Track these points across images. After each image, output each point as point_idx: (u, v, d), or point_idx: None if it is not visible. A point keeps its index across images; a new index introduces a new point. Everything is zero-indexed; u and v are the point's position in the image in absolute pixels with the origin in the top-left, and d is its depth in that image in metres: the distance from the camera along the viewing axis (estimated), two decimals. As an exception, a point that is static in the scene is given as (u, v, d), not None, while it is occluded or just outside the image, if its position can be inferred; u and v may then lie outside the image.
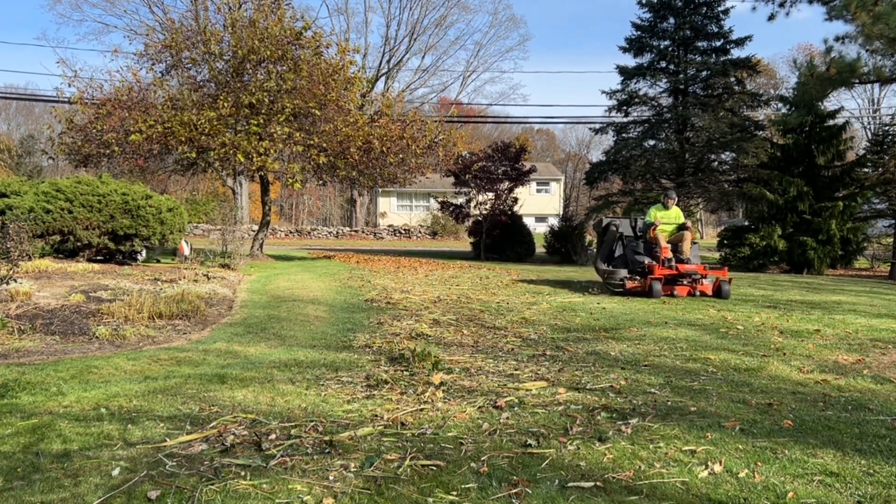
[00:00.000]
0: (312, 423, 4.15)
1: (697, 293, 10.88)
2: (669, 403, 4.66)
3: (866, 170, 23.53)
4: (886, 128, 25.86)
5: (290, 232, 43.08)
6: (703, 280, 11.04)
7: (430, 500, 3.11)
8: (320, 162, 17.61)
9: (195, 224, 35.72)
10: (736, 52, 24.35)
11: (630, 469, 3.44)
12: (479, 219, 24.80)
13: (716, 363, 5.97)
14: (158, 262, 15.66)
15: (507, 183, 24.34)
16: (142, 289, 9.78)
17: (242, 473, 3.38)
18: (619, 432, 4.01)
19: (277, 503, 3.07)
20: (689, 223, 11.78)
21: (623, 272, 11.46)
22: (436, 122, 20.98)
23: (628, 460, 3.57)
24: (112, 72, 39.90)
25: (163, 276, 11.93)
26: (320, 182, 22.03)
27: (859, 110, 53.87)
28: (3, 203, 12.54)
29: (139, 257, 14.84)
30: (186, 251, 15.82)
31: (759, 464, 3.49)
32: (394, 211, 47.18)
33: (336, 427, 4.11)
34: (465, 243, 30.44)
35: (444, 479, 3.32)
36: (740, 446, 3.76)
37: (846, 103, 53.39)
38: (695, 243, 11.74)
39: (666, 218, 11.67)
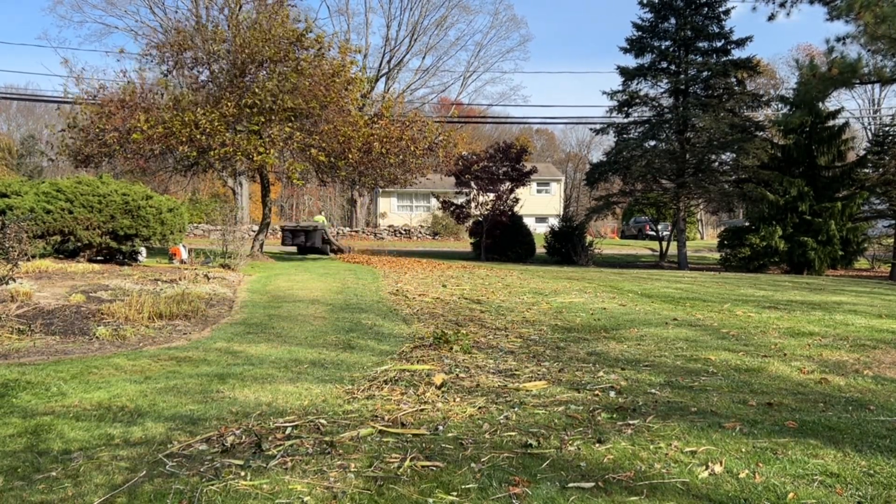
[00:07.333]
0: (313, 423, 4.15)
1: None
2: (670, 404, 4.65)
3: (867, 170, 23.52)
4: (887, 128, 25.84)
5: (291, 232, 42.93)
6: None
7: (431, 500, 3.11)
8: (320, 160, 17.62)
9: (195, 224, 35.70)
10: (736, 53, 24.34)
11: (630, 469, 3.44)
12: (480, 219, 24.79)
13: (716, 363, 5.96)
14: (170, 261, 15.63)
15: (508, 183, 24.33)
16: (142, 289, 9.78)
17: (243, 473, 3.38)
18: (619, 432, 4.01)
19: (278, 503, 3.07)
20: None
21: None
22: (436, 123, 20.99)
23: (628, 460, 3.56)
24: (116, 71, 39.94)
25: (163, 276, 11.93)
26: (321, 182, 22.04)
27: (860, 111, 53.79)
28: (4, 203, 12.55)
29: (140, 257, 14.83)
30: (184, 255, 15.78)
31: (759, 464, 3.49)
32: (394, 211, 47.10)
33: (336, 427, 4.11)
34: (465, 243, 30.43)
35: (445, 480, 3.32)
36: (741, 447, 3.75)
37: (846, 104, 53.31)
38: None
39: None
